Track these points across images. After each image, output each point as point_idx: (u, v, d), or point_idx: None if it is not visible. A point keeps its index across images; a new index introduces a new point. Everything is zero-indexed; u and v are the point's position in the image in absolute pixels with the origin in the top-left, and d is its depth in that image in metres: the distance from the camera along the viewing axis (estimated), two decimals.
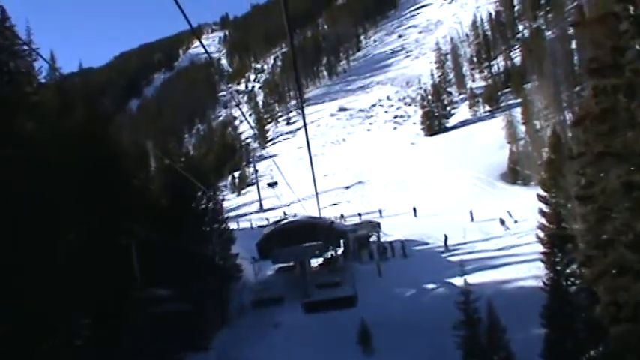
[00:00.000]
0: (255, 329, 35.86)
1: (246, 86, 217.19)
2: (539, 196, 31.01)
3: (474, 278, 31.70)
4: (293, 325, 34.92)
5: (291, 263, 44.73)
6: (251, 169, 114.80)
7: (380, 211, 69.63)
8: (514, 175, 76.88)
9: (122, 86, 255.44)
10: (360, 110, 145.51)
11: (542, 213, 31.00)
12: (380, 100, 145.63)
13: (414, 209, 65.78)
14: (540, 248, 34.12)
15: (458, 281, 34.16)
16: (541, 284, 31.03)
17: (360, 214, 66.03)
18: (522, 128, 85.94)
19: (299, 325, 34.73)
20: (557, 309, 23.66)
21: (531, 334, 28.44)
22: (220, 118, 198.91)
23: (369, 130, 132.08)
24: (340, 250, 48.20)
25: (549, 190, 30.34)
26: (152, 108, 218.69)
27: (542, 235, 31.76)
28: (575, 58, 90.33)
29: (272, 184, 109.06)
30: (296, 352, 32.11)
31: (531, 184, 71.63)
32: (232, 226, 52.39)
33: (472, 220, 55.44)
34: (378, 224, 53.89)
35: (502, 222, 52.47)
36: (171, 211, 37.87)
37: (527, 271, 34.59)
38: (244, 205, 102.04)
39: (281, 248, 40.22)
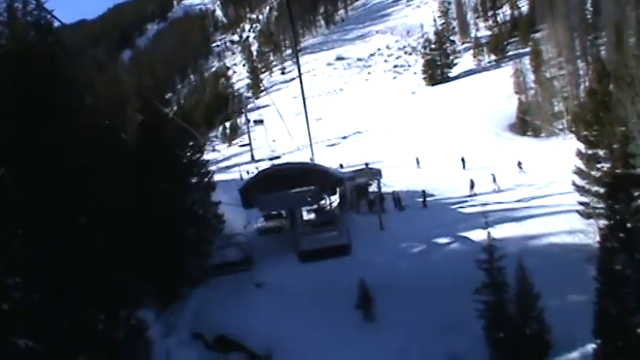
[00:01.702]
0: (236, 289, 30.63)
1: (241, 37, 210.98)
2: (578, 135, 25.80)
3: (493, 233, 26.41)
4: (279, 285, 29.53)
5: (281, 214, 39.78)
6: (243, 119, 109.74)
7: (417, 160, 63.63)
8: (524, 125, 72.33)
9: (115, 38, 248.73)
10: (358, 59, 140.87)
11: (580, 155, 25.91)
12: (379, 50, 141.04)
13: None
14: (571, 199, 29.66)
15: (475, 235, 29.30)
16: (576, 240, 26.50)
17: (367, 164, 60.44)
18: (531, 77, 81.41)
19: (286, 285, 29.34)
20: (618, 273, 18.21)
21: (568, 301, 23.64)
22: (213, 69, 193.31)
23: (367, 79, 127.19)
24: (336, 201, 43.11)
25: (591, 127, 25.01)
26: (144, 59, 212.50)
27: (579, 181, 26.81)
28: (589, 4, 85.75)
29: (258, 122, 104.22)
30: (281, 317, 27.03)
31: (542, 136, 67.50)
32: (223, 176, 47.88)
33: (521, 170, 50.40)
34: (379, 171, 48.28)
35: (494, 179, 46.99)
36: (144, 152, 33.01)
37: (559, 224, 29.35)
38: (235, 155, 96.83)
39: (268, 195, 34.54)
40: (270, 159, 47.91)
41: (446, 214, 39.11)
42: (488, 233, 22.75)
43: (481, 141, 67.10)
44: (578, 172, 26.58)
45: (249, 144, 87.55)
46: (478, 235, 29.03)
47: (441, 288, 25.89)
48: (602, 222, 24.00)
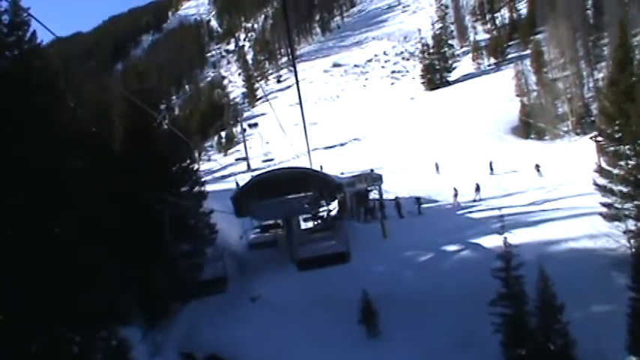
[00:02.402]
0: (230, 303, 28.44)
1: (236, 45, 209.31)
2: (600, 131, 23.64)
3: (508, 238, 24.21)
4: (275, 299, 27.22)
5: (278, 224, 37.45)
6: (238, 128, 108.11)
7: (437, 166, 59.06)
8: (527, 128, 70.48)
9: (110, 49, 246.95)
10: (355, 66, 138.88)
11: (601, 152, 23.76)
12: (376, 56, 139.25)
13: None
14: (589, 200, 27.61)
15: (487, 241, 27.09)
16: (599, 245, 24.36)
17: (372, 170, 58.17)
18: (533, 79, 79.89)
19: (283, 299, 27.02)
20: None
21: (594, 312, 21.42)
22: (209, 79, 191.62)
23: (364, 85, 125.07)
24: (335, 209, 40.85)
25: (613, 121, 22.83)
26: (137, 66, 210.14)
27: (601, 181, 24.65)
28: (590, 4, 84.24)
29: (253, 125, 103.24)
30: (277, 334, 24.80)
31: (546, 139, 65.87)
32: (219, 186, 45.86)
33: (539, 173, 48.24)
34: (380, 177, 46.01)
35: (477, 188, 45.33)
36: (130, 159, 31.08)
37: (579, 228, 26.98)
38: (231, 164, 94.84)
39: (263, 202, 31.91)
40: (264, 161, 45.73)
41: (452, 220, 36.96)
42: (505, 239, 20.46)
43: (485, 145, 64.91)
44: (599, 170, 24.40)
45: (246, 156, 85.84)
46: (490, 241, 26.87)
47: (452, 300, 23.68)
48: (631, 223, 21.93)
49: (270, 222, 39.68)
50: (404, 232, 33.87)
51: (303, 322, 25.27)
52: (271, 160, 70.18)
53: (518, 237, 26.68)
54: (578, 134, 63.19)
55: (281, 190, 31.54)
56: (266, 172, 35.48)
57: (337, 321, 24.56)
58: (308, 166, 33.15)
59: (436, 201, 45.92)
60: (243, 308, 27.41)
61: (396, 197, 43.63)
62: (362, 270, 27.48)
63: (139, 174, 29.92)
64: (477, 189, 44.41)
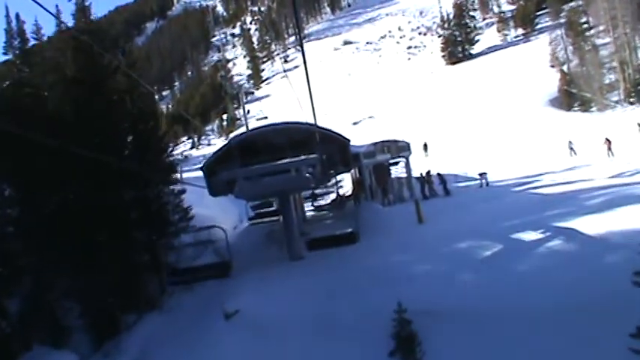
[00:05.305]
0: (195, 321, 19.48)
1: (242, 29, 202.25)
2: None
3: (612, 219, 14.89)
4: (262, 315, 17.86)
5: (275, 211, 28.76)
6: (240, 111, 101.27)
7: (570, 145, 44.25)
8: (569, 99, 61.87)
9: (112, 37, 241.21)
10: (368, 43, 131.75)
11: None
12: (390, 32, 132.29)
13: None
14: None
15: (585, 225, 17.99)
16: None
17: (426, 145, 51.41)
18: (570, 48, 71.98)
19: (274, 315, 17.70)
20: None
21: None
22: (212, 63, 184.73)
23: (378, 62, 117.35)
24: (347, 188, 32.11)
25: None
26: (140, 55, 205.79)
27: None
28: None
29: (249, 93, 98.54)
30: None
31: (592, 110, 57.68)
32: None
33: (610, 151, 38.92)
34: (407, 145, 36.27)
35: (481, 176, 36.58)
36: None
37: None
38: None
39: (245, 170, 22.01)
40: (258, 120, 37.15)
41: (508, 198, 27.74)
42: None
43: (522, 118, 57.26)
44: None
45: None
46: (589, 224, 17.69)
47: (544, 320, 14.29)
48: None
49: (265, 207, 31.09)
50: (446, 215, 24.59)
51: (302, 352, 16.20)
52: (265, 118, 61.70)
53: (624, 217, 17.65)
54: (631, 103, 55.06)
55: (274, 155, 22.25)
56: (252, 130, 25.62)
57: (354, 352, 15.54)
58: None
59: (475, 178, 37.10)
60: (213, 329, 18.26)
61: (428, 171, 33.89)
62: (392, 271, 18.32)
63: (87, 138, 22.62)
64: (482, 176, 35.58)
